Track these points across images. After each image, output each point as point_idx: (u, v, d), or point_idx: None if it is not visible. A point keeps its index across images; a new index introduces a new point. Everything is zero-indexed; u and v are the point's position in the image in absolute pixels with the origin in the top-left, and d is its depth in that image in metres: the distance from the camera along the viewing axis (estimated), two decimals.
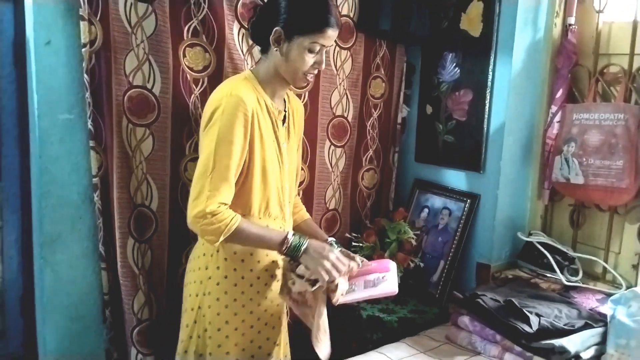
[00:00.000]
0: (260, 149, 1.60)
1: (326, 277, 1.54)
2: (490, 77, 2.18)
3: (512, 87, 2.14)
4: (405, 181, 2.57)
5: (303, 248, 1.56)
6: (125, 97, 1.79)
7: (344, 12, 2.20)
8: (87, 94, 1.74)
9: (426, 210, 2.42)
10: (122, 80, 1.78)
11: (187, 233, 1.96)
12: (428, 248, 2.37)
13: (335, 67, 2.22)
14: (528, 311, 1.81)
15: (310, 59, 1.59)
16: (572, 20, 2.14)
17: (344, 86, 2.26)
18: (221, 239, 1.49)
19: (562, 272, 2.07)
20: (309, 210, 2.11)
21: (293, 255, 1.57)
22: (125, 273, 1.88)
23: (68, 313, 1.87)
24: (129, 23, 1.76)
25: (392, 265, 1.70)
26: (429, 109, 2.43)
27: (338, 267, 1.56)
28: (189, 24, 1.86)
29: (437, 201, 2.40)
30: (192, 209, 1.48)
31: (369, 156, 2.43)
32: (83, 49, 1.70)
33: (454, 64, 2.31)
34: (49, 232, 1.79)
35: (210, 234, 1.49)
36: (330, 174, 2.30)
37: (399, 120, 2.49)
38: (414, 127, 2.52)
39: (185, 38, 1.87)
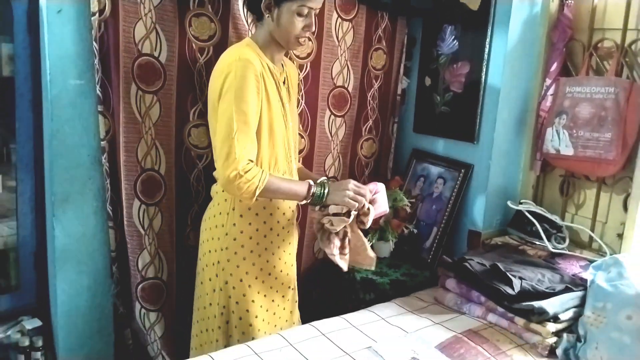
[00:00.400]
0: (268, 109, 1.71)
1: (356, 204, 1.72)
2: (487, 50, 2.23)
3: (508, 60, 2.19)
4: (403, 151, 2.65)
5: (326, 192, 1.72)
6: (135, 65, 1.87)
7: None
8: (96, 61, 1.83)
9: (422, 179, 2.51)
10: (132, 48, 1.86)
11: (191, 196, 2.08)
12: (422, 215, 2.46)
13: (337, 38, 2.29)
14: (512, 275, 1.90)
15: (299, 22, 1.70)
16: None
17: (345, 57, 2.33)
18: (257, 194, 1.61)
19: (549, 240, 2.16)
20: None
21: (319, 201, 1.73)
22: (131, 232, 1.99)
23: (78, 268, 1.99)
24: None
25: (381, 186, 1.86)
26: (427, 81, 2.50)
27: (361, 192, 1.73)
28: None
29: (432, 170, 2.48)
30: (225, 170, 1.60)
31: (368, 126, 2.51)
32: (92, 17, 1.79)
33: (453, 37, 2.36)
34: (59, 192, 1.90)
35: (246, 192, 1.60)
36: (329, 143, 2.38)
37: (399, 92, 2.55)
38: (413, 99, 2.59)
39: (191, 8, 1.94)
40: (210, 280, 1.82)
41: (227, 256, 1.78)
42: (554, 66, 2.22)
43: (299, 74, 2.10)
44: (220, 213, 1.80)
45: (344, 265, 1.80)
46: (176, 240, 2.11)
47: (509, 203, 2.28)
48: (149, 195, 2.00)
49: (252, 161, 1.63)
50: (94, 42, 1.81)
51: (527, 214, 2.23)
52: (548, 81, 2.24)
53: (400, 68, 2.53)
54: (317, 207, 1.80)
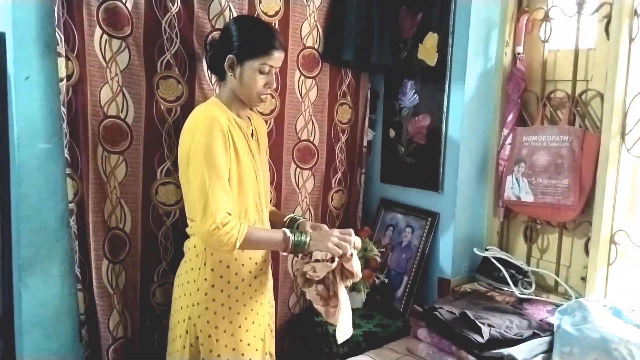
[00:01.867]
0: (237, 162, 1.75)
1: (341, 251, 1.69)
2: (445, 102, 2.33)
3: (466, 112, 2.29)
4: (371, 201, 2.70)
5: (307, 239, 1.71)
6: (101, 127, 1.91)
7: (309, 44, 2.34)
8: (64, 125, 1.85)
9: (391, 228, 2.55)
10: (98, 111, 1.89)
11: (159, 252, 2.09)
12: (393, 264, 2.49)
13: (300, 94, 2.36)
14: (481, 322, 1.93)
15: (261, 79, 1.78)
16: (520, 49, 2.30)
17: (309, 112, 2.40)
18: (237, 245, 1.63)
19: (515, 285, 2.20)
20: None
21: (300, 249, 1.72)
22: (101, 293, 1.97)
23: (46, 332, 1.95)
24: (104, 58, 1.88)
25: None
26: (392, 133, 2.57)
27: (346, 238, 1.72)
28: (162, 57, 1.99)
29: (400, 219, 2.53)
30: (203, 225, 1.61)
31: (337, 178, 2.56)
32: (60, 83, 1.82)
33: (414, 91, 2.46)
34: (26, 255, 1.88)
35: (226, 244, 1.62)
36: (297, 195, 2.42)
37: (365, 144, 2.62)
38: (379, 150, 2.66)
39: (158, 71, 2.00)
40: (180, 337, 1.80)
41: (198, 312, 1.77)
42: (510, 116, 2.32)
43: (266, 125, 2.17)
44: (192, 269, 1.80)
45: (334, 320, 1.76)
46: (140, 298, 2.10)
47: (475, 250, 2.33)
48: (114, 253, 2.00)
49: (229, 214, 1.65)
50: (62, 107, 1.84)
51: (493, 260, 2.28)
52: (505, 131, 2.33)
53: (365, 121, 2.60)
54: (299, 256, 1.79)
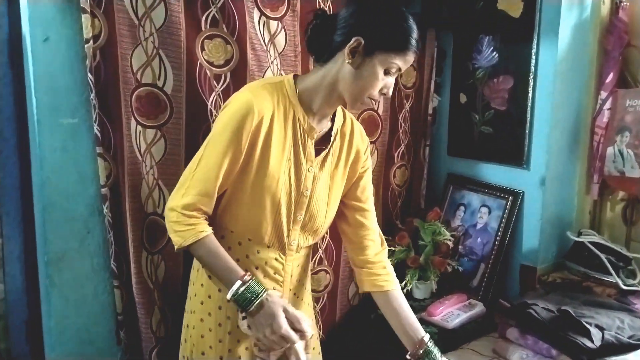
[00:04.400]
0: (260, 162, 1.36)
1: (269, 346, 1.29)
2: (533, 60, 1.97)
3: (559, 71, 1.94)
4: (437, 177, 2.37)
5: (254, 305, 1.27)
6: (133, 97, 1.60)
7: None
8: (92, 95, 1.56)
9: (462, 208, 2.23)
10: (129, 78, 1.59)
11: None
12: (466, 250, 2.18)
13: None
14: (586, 322, 1.64)
15: (382, 80, 1.35)
16: None
17: None
18: (184, 244, 1.30)
19: (617, 275, 1.89)
20: None
21: (240, 305, 1.29)
22: (141, 289, 1.71)
23: (79, 337, 1.70)
24: (136, 14, 1.56)
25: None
26: (462, 98, 2.23)
27: (290, 338, 1.28)
28: (207, 12, 1.67)
29: (474, 198, 2.20)
30: (169, 201, 1.33)
31: (400, 152, 2.23)
32: (86, 45, 1.52)
33: (492, 48, 2.10)
34: (54, 250, 1.62)
35: (176, 233, 1.31)
36: None
37: (430, 111, 2.29)
38: (445, 118, 2.32)
39: (203, 29, 1.67)
40: (181, 344, 1.53)
41: (193, 322, 1.46)
42: (610, 77, 1.98)
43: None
44: (193, 267, 1.50)
45: None
46: (183, 293, 1.81)
47: (568, 234, 2.01)
48: (151, 243, 1.72)
49: (202, 211, 1.32)
50: (88, 74, 1.54)
51: (590, 245, 1.96)
52: (603, 94, 1.99)
53: (431, 85, 2.26)
54: (241, 315, 1.34)
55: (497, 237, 2.08)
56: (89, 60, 1.53)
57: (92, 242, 1.68)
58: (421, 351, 1.44)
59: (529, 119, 2.00)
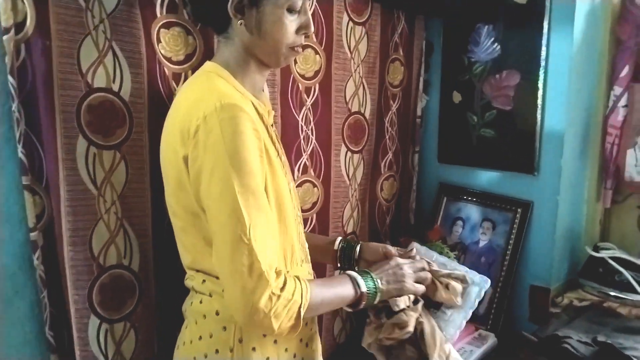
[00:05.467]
0: (272, 177, 1.09)
1: (422, 288, 1.30)
2: (544, 53, 1.72)
3: (574, 65, 1.69)
4: (426, 188, 2.08)
5: (379, 285, 1.22)
6: (83, 108, 1.18)
7: None
8: (15, 106, 1.12)
9: (460, 223, 1.96)
10: (75, 82, 1.16)
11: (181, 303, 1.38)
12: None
13: (349, 48, 1.69)
14: (634, 356, 1.41)
15: (291, 22, 1.11)
16: None
17: (359, 73, 1.73)
18: (302, 315, 1.04)
19: None
20: None
21: (372, 300, 1.21)
22: None
23: None
24: None
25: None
26: (457, 97, 1.94)
27: (421, 276, 1.31)
28: None
29: (473, 211, 1.93)
30: (250, 296, 0.98)
31: (388, 160, 1.92)
32: (4, 37, 1.08)
33: (492, 39, 1.83)
34: None
35: (287, 317, 1.02)
36: (348, 189, 1.77)
37: (419, 113, 1.99)
38: (434, 120, 2.03)
39: (158, 15, 1.27)
40: None
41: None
42: (625, 70, 1.77)
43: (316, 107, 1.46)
44: (201, 337, 1.14)
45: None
46: None
47: (587, 249, 1.78)
48: (113, 306, 1.30)
49: (278, 271, 1.03)
50: (9, 77, 1.10)
51: (610, 261, 1.74)
52: (617, 89, 1.78)
53: (420, 82, 1.96)
54: (372, 314, 1.31)
55: (507, 256, 1.82)
56: (9, 57, 1.09)
57: (22, 305, 1.23)
58: (339, 247, 1.40)
59: (539, 119, 1.75)
